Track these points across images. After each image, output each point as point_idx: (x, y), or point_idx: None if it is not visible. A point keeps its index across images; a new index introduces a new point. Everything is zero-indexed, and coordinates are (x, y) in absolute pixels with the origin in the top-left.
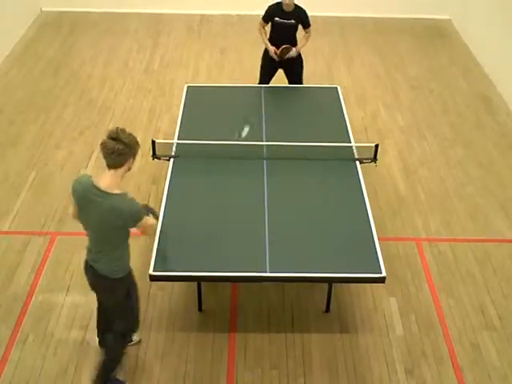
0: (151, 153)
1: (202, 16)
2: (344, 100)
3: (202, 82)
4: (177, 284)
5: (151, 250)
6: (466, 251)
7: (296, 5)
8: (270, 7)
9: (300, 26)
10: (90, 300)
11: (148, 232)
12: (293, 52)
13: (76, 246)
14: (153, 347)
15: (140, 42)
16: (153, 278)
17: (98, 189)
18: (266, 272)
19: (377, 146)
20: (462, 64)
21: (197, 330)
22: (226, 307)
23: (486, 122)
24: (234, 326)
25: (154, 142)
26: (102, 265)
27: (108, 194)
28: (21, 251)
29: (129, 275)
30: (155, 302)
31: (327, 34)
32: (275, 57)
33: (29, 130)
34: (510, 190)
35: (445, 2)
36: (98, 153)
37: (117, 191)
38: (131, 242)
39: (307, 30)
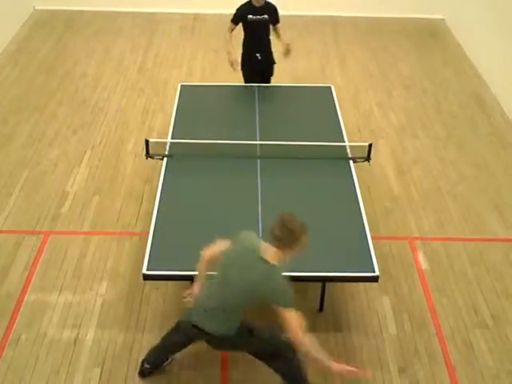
0: (145, 152)
1: (196, 15)
2: (337, 99)
3: (195, 81)
4: (171, 283)
5: (145, 249)
6: (458, 250)
7: (266, 0)
8: (239, 8)
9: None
10: (83, 299)
11: (300, 338)
12: (288, 49)
13: (69, 245)
14: (146, 347)
15: (134, 41)
16: (146, 277)
17: (260, 255)
18: None
19: (370, 145)
20: (455, 64)
21: None
22: None
23: (480, 122)
24: None
25: (147, 142)
26: (214, 323)
27: (264, 260)
28: (13, 250)
29: (243, 323)
30: (149, 302)
31: (320, 33)
32: (233, 67)
33: (22, 129)
34: (503, 189)
35: (438, 1)
36: (90, 153)
37: (274, 262)
38: (123, 240)
39: (276, 27)
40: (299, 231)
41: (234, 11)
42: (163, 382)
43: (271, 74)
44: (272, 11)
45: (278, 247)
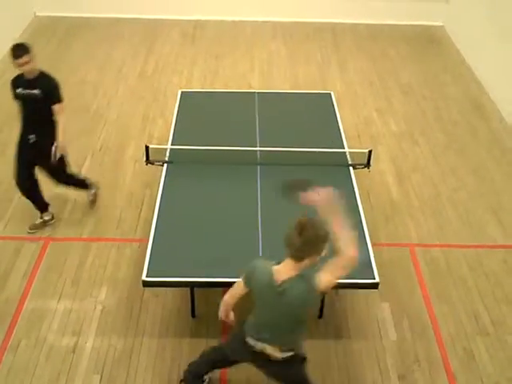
0: (145, 158)
1: (197, 22)
2: (337, 106)
3: (195, 88)
4: (170, 290)
5: (144, 256)
6: (458, 257)
7: (42, 72)
8: (12, 79)
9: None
10: (83, 306)
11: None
12: (56, 152)
13: (69, 251)
14: (145, 353)
15: (134, 48)
16: (146, 284)
17: (278, 284)
18: None
19: (370, 151)
20: (454, 70)
21: (190, 336)
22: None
23: (479, 128)
24: (226, 332)
25: (147, 148)
26: (274, 348)
27: (289, 282)
28: (13, 257)
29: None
30: (148, 308)
31: (320, 40)
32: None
33: None
34: (503, 195)
35: (438, 8)
36: (90, 159)
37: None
38: (123, 247)
39: (56, 107)
40: (322, 236)
41: (234, 18)
42: (163, 381)
43: (48, 161)
44: (47, 87)
45: (296, 261)
